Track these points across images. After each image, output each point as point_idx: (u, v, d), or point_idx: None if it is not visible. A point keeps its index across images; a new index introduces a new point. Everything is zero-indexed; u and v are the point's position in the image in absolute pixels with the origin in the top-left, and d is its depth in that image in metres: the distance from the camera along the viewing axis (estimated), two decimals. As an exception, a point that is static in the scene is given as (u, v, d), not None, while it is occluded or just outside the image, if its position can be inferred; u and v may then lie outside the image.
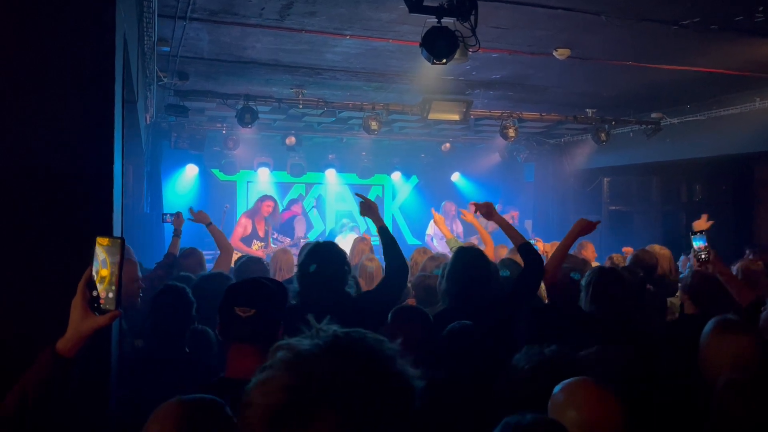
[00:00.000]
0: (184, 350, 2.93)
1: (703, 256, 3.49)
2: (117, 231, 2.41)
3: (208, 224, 5.29)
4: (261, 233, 8.55)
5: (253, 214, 8.63)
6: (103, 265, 1.61)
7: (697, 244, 3.54)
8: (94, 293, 1.60)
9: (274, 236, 8.98)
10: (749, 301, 3.35)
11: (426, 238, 10.19)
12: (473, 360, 2.71)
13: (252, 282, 2.24)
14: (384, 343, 0.91)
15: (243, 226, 8.39)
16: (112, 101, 2.30)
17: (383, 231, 3.31)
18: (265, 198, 8.78)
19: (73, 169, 2.16)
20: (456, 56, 4.80)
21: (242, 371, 1.92)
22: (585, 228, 3.55)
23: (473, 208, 3.80)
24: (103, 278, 1.61)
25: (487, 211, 3.64)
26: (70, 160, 2.16)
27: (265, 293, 2.13)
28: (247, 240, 8.28)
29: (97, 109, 2.24)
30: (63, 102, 2.17)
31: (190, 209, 5.43)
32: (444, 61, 4.30)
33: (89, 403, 1.94)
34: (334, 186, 12.89)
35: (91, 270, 1.60)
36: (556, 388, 1.81)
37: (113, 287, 1.60)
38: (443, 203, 10.40)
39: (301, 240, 9.15)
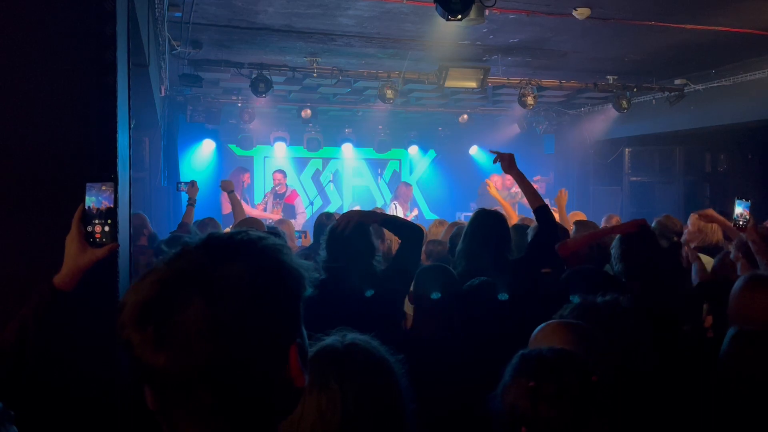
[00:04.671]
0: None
1: (741, 223, 3.42)
2: (124, 202, 2.37)
3: (230, 192, 5.36)
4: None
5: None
6: (97, 203, 1.65)
7: (739, 208, 3.47)
8: (89, 228, 1.65)
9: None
10: None
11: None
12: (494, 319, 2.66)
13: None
14: (268, 239, 0.91)
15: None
16: (114, 51, 2.24)
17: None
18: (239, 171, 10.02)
19: (74, 133, 2.10)
20: (472, 16, 4.68)
21: None
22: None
23: (495, 158, 3.71)
24: (98, 213, 1.65)
25: (508, 163, 3.55)
26: (71, 124, 2.10)
27: None
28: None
29: (98, 67, 2.17)
30: (60, 59, 2.11)
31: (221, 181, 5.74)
32: (459, 17, 4.18)
33: (94, 342, 1.93)
34: (351, 161, 12.83)
35: (84, 206, 1.65)
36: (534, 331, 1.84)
37: (109, 221, 1.65)
38: (491, 176, 10.40)
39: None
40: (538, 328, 1.83)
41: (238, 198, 5.50)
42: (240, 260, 0.87)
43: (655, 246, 3.25)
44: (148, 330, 0.81)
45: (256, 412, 0.87)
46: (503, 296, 2.95)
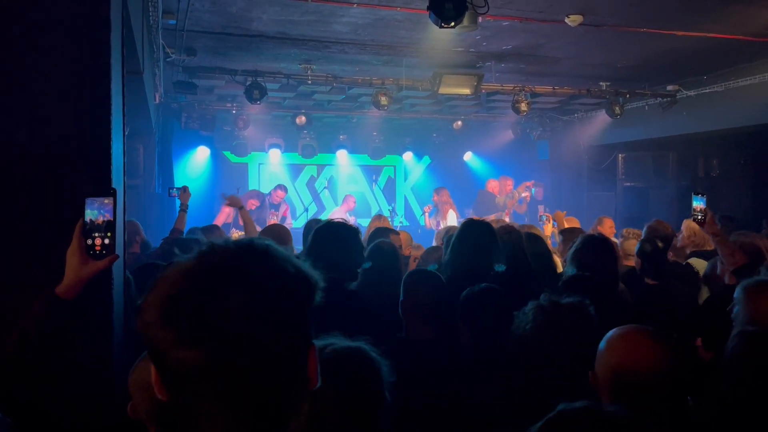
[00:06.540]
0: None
1: (699, 217, 3.45)
2: (119, 210, 2.36)
3: (241, 208, 5.37)
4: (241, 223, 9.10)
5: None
6: (98, 216, 1.69)
7: (696, 204, 3.48)
8: (89, 241, 1.68)
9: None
10: (740, 264, 3.32)
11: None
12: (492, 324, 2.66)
13: None
14: (294, 255, 0.95)
15: (226, 214, 8.50)
16: (108, 58, 2.24)
17: None
18: (252, 194, 9.55)
19: (69, 141, 2.10)
20: (465, 23, 4.70)
21: None
22: None
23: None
24: (98, 226, 1.68)
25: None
26: (64, 133, 2.09)
27: None
28: (226, 227, 8.29)
29: (92, 74, 2.16)
30: (56, 68, 2.11)
31: (222, 194, 5.68)
32: (452, 24, 4.20)
33: (92, 348, 1.94)
34: (345, 167, 12.85)
35: (83, 220, 1.68)
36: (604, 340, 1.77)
37: (109, 234, 1.69)
38: (487, 181, 10.36)
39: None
40: (614, 333, 1.74)
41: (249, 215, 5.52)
42: (271, 261, 0.89)
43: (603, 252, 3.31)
44: (180, 324, 0.80)
45: (276, 411, 0.87)
46: (500, 267, 2.96)
